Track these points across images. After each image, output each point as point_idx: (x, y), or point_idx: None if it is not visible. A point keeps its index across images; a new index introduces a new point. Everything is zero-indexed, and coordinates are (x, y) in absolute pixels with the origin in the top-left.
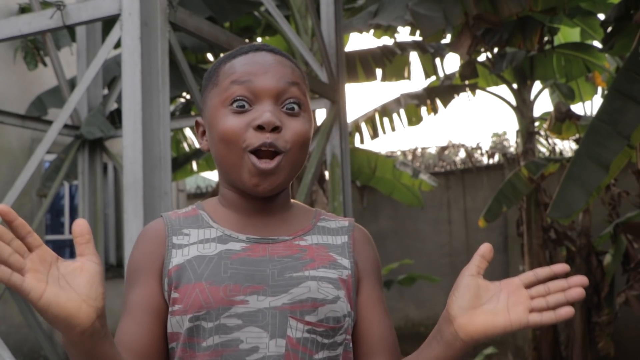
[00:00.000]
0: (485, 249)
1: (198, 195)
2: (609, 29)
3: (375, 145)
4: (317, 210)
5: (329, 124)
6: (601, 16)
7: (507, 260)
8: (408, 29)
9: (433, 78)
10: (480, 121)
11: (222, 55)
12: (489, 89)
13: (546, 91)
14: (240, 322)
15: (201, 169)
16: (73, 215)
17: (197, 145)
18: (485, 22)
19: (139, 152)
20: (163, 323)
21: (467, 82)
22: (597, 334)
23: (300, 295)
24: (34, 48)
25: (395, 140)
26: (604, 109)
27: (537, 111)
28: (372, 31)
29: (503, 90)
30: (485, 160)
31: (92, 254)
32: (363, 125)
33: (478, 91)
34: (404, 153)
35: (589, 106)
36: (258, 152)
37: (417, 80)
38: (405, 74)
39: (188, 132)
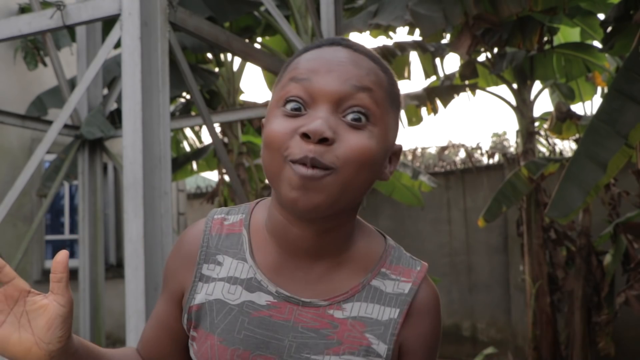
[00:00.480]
0: None
1: (198, 195)
2: (609, 29)
3: None
4: (384, 253)
5: None
6: (601, 16)
7: (507, 260)
8: (405, 28)
9: (433, 78)
10: (480, 121)
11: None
12: (489, 89)
13: (546, 91)
14: None
15: (201, 169)
16: (73, 215)
17: (197, 145)
18: (485, 22)
19: (139, 152)
20: (178, 342)
21: (467, 82)
22: (597, 334)
23: None
24: (34, 48)
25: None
26: (603, 109)
27: (537, 111)
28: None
29: (503, 90)
30: (485, 160)
31: (61, 294)
32: None
33: (478, 91)
34: (404, 153)
35: (589, 106)
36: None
37: (417, 80)
38: (405, 74)
39: (188, 132)
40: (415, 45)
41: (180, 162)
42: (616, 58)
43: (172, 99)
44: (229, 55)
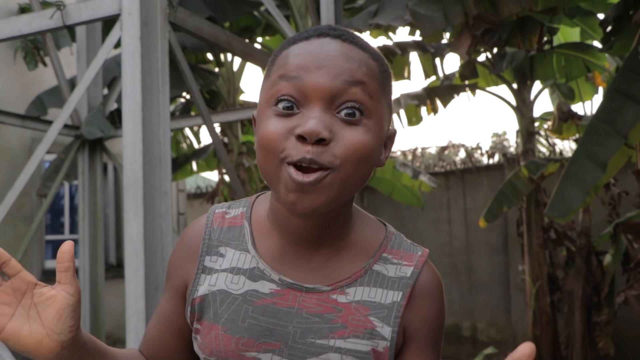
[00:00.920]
0: (527, 350)
1: (198, 195)
2: (609, 28)
3: None
4: (384, 238)
5: None
6: (601, 16)
7: (507, 260)
8: (406, 28)
9: (433, 78)
10: (480, 121)
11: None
12: (488, 89)
13: (546, 91)
14: None
15: (201, 169)
16: (73, 216)
17: (196, 145)
18: (485, 22)
19: (139, 152)
20: (182, 337)
21: (467, 82)
22: (597, 334)
23: None
24: (34, 48)
25: (396, 140)
26: (602, 109)
27: (537, 111)
28: (369, 31)
29: (503, 90)
30: (485, 160)
31: (69, 284)
32: None
33: (478, 91)
34: (404, 153)
35: (589, 106)
36: (299, 166)
37: (417, 80)
38: (405, 74)
39: (188, 132)
40: (415, 45)
41: (180, 162)
42: (616, 58)
43: (172, 99)
44: (229, 55)
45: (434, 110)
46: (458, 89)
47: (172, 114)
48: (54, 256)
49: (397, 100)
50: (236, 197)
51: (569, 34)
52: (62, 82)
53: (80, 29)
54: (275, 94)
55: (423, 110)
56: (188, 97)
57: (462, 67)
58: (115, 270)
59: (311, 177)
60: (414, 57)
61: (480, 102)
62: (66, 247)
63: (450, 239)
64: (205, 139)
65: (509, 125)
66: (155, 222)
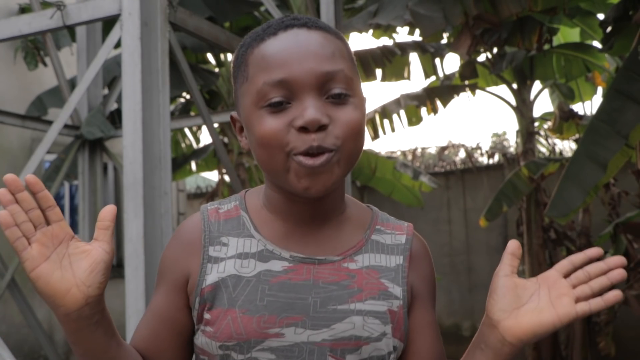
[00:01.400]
0: (513, 246)
1: (198, 195)
2: (609, 29)
3: (376, 146)
4: (373, 214)
5: None
6: (601, 16)
7: None
8: (407, 28)
9: (433, 78)
10: (480, 121)
11: (246, 37)
12: (488, 89)
13: (546, 91)
14: (273, 357)
15: (201, 169)
16: (73, 216)
17: (195, 146)
18: (485, 22)
19: (139, 152)
20: (177, 334)
21: (467, 82)
22: (597, 334)
23: (343, 332)
24: (34, 48)
25: (396, 140)
26: (603, 109)
27: (537, 111)
28: (371, 31)
29: (503, 90)
30: (485, 160)
31: (105, 242)
32: None
33: (478, 91)
34: (404, 153)
35: (588, 106)
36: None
37: (417, 80)
38: (405, 74)
39: (188, 132)
40: (415, 45)
41: (180, 162)
42: (616, 58)
43: (172, 99)
44: (229, 55)
45: (434, 110)
46: (458, 89)
47: (172, 114)
48: None
49: (397, 100)
50: None
51: (568, 34)
52: (62, 82)
53: (80, 29)
54: (264, 98)
55: (423, 110)
56: (188, 97)
57: (462, 67)
58: (115, 270)
59: (322, 159)
60: (413, 57)
61: (480, 102)
62: (110, 208)
63: (450, 239)
64: (205, 138)
65: (509, 125)
66: (155, 222)
